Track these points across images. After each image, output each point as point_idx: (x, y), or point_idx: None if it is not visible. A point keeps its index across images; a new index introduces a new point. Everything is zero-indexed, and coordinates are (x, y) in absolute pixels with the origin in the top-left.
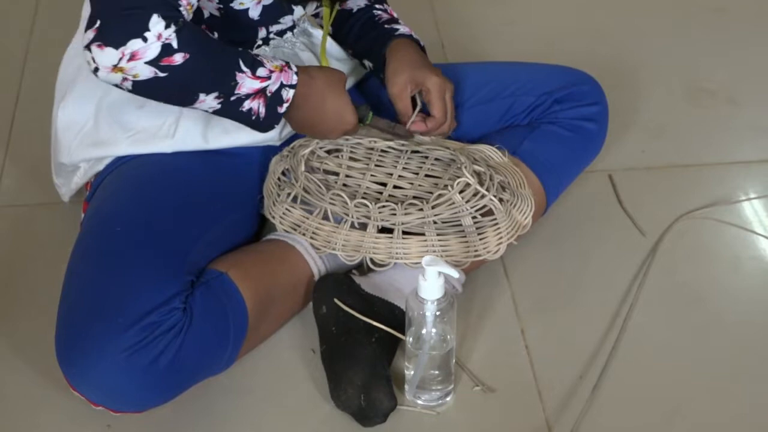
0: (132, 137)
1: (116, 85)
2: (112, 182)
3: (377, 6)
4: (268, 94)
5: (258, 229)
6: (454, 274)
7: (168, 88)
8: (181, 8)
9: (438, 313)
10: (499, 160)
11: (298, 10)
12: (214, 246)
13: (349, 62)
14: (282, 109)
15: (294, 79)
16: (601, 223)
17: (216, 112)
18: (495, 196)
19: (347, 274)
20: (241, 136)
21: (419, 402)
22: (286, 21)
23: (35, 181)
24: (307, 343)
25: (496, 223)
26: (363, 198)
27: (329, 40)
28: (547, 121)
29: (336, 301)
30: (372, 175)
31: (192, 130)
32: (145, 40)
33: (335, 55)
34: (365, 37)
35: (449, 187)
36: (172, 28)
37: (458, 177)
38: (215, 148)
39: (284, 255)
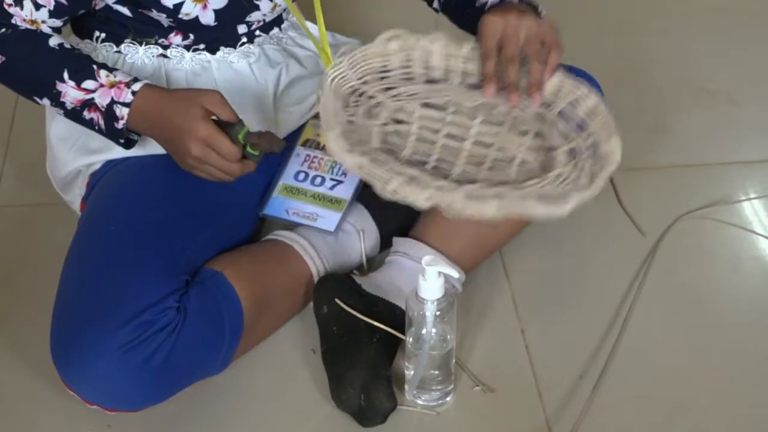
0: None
1: None
2: (108, 182)
3: None
4: (101, 108)
5: (257, 230)
6: (454, 273)
7: (7, 84)
8: (14, 20)
9: (438, 313)
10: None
11: (264, 5)
12: (210, 245)
13: (336, 48)
14: (119, 125)
15: (127, 98)
16: (601, 223)
17: (67, 117)
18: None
19: (348, 274)
20: None
21: (419, 402)
22: (256, 17)
23: (35, 181)
24: (308, 343)
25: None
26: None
27: (314, 28)
28: None
29: (337, 301)
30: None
31: None
32: None
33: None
34: (463, 17)
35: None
36: None
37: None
38: None
39: (282, 255)
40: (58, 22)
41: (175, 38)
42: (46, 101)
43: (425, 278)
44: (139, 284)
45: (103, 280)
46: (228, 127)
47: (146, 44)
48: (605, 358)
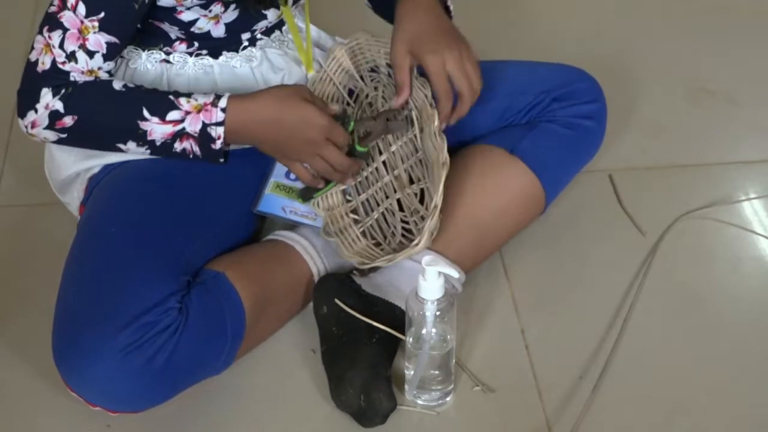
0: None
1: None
2: (108, 184)
3: None
4: (195, 135)
5: (258, 230)
6: (454, 273)
7: (82, 143)
8: (72, 76)
9: (438, 313)
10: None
11: (271, 14)
12: (210, 246)
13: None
14: (216, 146)
15: (219, 117)
16: (601, 222)
17: (155, 154)
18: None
19: (348, 274)
20: None
21: (419, 402)
22: (261, 25)
23: (35, 181)
24: (308, 343)
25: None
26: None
27: (315, 29)
28: (546, 120)
29: (337, 301)
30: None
31: None
32: (36, 111)
33: (328, 44)
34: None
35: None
36: (59, 95)
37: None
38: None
39: (283, 255)
40: (111, 65)
41: (180, 46)
42: (131, 145)
43: (425, 278)
44: (139, 285)
45: (104, 282)
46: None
47: (149, 50)
48: (605, 358)
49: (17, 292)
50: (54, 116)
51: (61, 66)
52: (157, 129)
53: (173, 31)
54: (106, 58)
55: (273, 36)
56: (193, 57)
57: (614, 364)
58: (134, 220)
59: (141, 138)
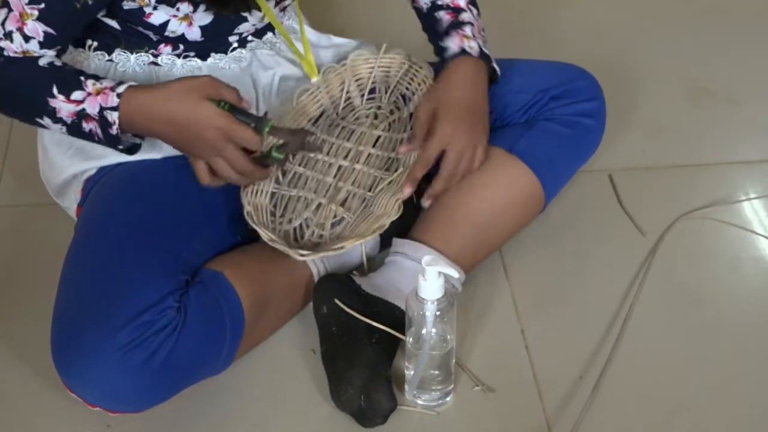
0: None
1: None
2: (104, 186)
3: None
4: (96, 117)
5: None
6: (454, 273)
7: (5, 110)
8: (6, 51)
9: (438, 313)
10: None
11: (253, 18)
12: (208, 245)
13: (333, 49)
14: (113, 131)
15: (113, 101)
16: (601, 222)
17: (71, 134)
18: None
19: (348, 274)
20: None
21: (419, 402)
22: (245, 28)
23: (35, 182)
24: (308, 343)
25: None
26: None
27: (310, 30)
28: (544, 118)
29: (337, 301)
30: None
31: None
32: None
33: (323, 43)
34: (430, 36)
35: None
36: None
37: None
38: None
39: (282, 255)
40: (51, 52)
41: (165, 48)
42: (47, 121)
43: (425, 278)
44: (137, 284)
45: (102, 282)
46: (248, 119)
47: (137, 53)
48: (605, 358)
49: (17, 292)
50: None
51: None
52: (63, 107)
53: (150, 34)
54: (43, 45)
55: (265, 38)
56: (180, 59)
57: (614, 364)
58: (131, 219)
59: (52, 115)
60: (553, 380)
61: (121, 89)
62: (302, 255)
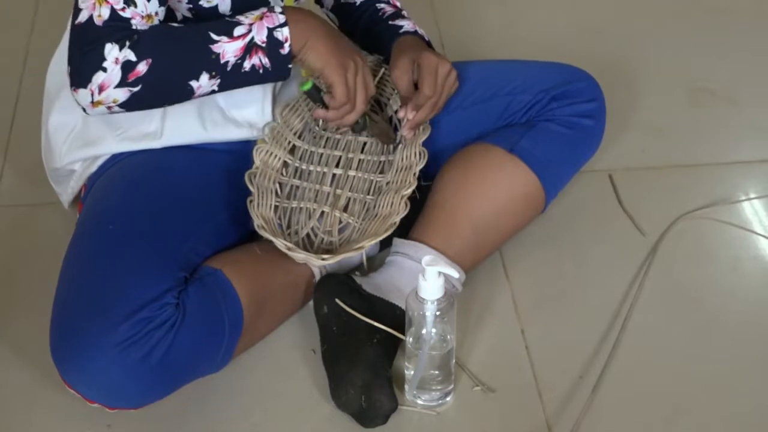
0: (120, 135)
1: (111, 113)
2: (105, 182)
3: None
4: (262, 45)
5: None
6: (455, 273)
7: (153, 95)
8: (133, 23)
9: (438, 313)
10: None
11: None
12: (208, 243)
13: None
14: (285, 50)
15: (280, 19)
16: (601, 223)
17: (222, 89)
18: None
19: (348, 274)
20: (232, 131)
21: (419, 402)
22: (274, 2)
23: (35, 181)
24: (308, 342)
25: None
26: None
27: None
28: (545, 119)
29: (337, 301)
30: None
31: (183, 122)
32: (105, 70)
33: None
34: (371, 32)
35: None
36: (127, 46)
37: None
38: (214, 139)
39: (281, 253)
40: (162, 11)
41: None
42: (204, 79)
43: (425, 278)
44: (136, 281)
45: (101, 278)
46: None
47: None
48: (605, 358)
49: (17, 292)
50: (127, 67)
51: (121, 12)
52: (228, 48)
53: (182, 7)
54: (161, 2)
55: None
56: None
57: (614, 364)
58: (131, 216)
59: (214, 65)
60: (553, 380)
61: (278, 8)
62: (323, 259)
